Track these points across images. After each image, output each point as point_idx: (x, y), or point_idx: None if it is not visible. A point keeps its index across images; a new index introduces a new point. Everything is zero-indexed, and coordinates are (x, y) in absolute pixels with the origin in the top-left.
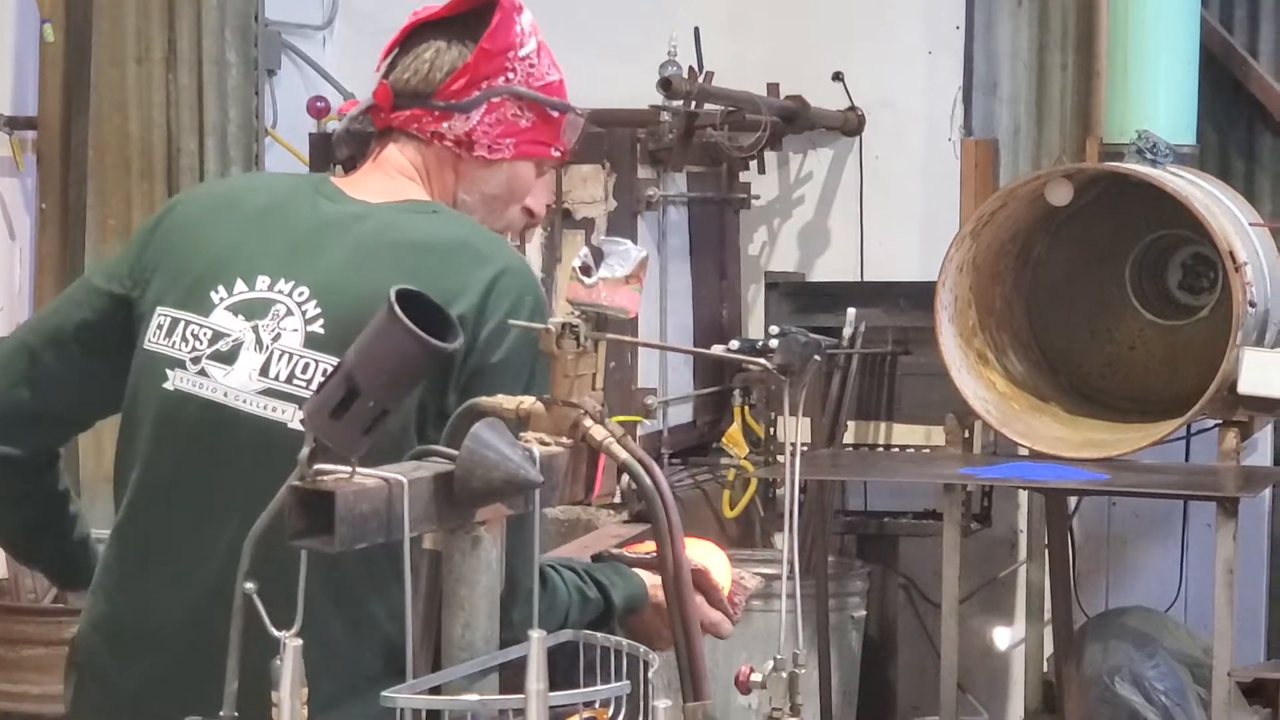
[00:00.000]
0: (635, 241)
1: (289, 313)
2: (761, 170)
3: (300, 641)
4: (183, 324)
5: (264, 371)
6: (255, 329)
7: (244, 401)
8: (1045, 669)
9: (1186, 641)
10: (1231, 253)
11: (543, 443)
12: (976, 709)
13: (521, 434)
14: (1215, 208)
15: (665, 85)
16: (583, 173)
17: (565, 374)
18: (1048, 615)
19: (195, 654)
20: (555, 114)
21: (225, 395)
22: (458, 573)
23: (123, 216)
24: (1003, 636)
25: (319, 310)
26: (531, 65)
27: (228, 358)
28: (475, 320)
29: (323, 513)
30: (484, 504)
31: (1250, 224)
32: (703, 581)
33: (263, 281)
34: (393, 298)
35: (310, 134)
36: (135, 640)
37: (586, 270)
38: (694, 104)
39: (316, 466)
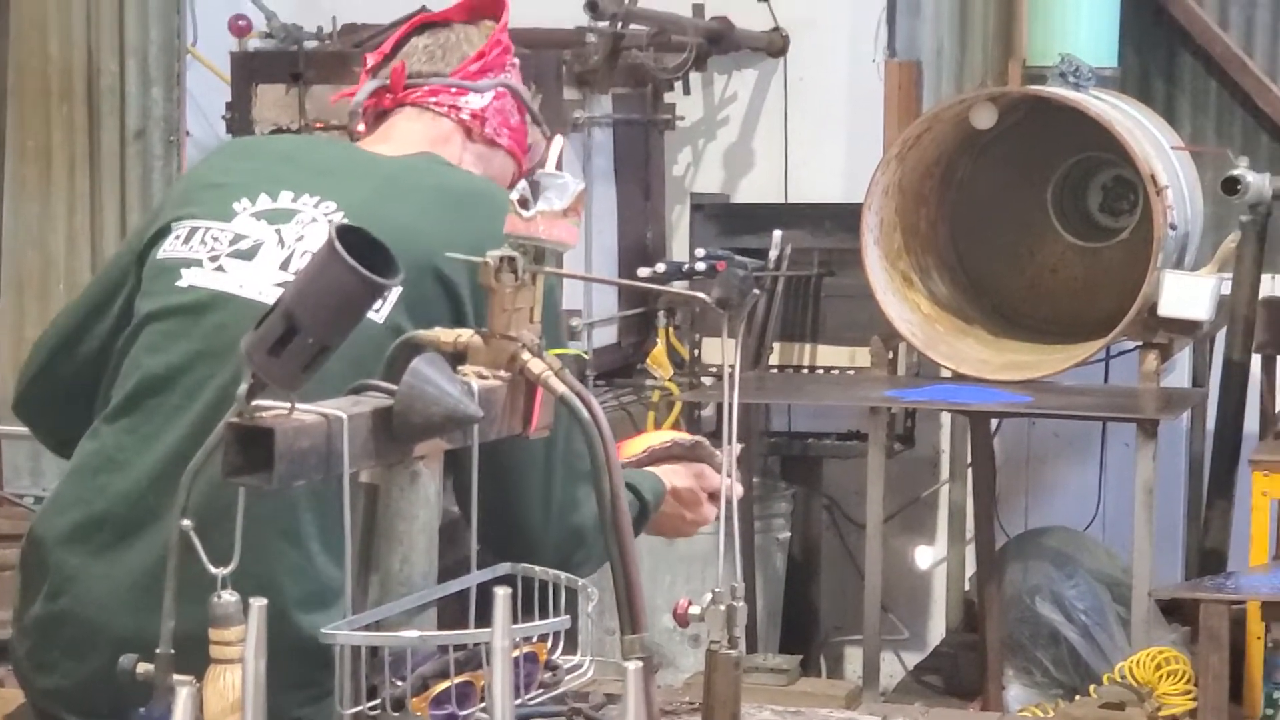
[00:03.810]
0: (560, 164)
1: (314, 220)
2: (686, 91)
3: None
4: (202, 229)
5: (284, 266)
6: (278, 232)
7: (260, 293)
8: (967, 588)
9: (1105, 561)
10: (1153, 176)
11: (481, 376)
12: (899, 628)
13: (459, 367)
14: (1137, 131)
15: (591, 6)
16: None
17: (503, 307)
18: (969, 535)
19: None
20: (530, 128)
21: (241, 288)
22: (396, 508)
23: (42, 138)
24: (925, 556)
25: (346, 222)
26: (517, 70)
27: (247, 255)
28: None
29: (261, 449)
30: (423, 439)
31: (1172, 147)
32: (688, 497)
33: (286, 195)
34: (333, 234)
35: (232, 53)
36: (114, 530)
37: (524, 203)
38: (620, 25)
39: (255, 403)
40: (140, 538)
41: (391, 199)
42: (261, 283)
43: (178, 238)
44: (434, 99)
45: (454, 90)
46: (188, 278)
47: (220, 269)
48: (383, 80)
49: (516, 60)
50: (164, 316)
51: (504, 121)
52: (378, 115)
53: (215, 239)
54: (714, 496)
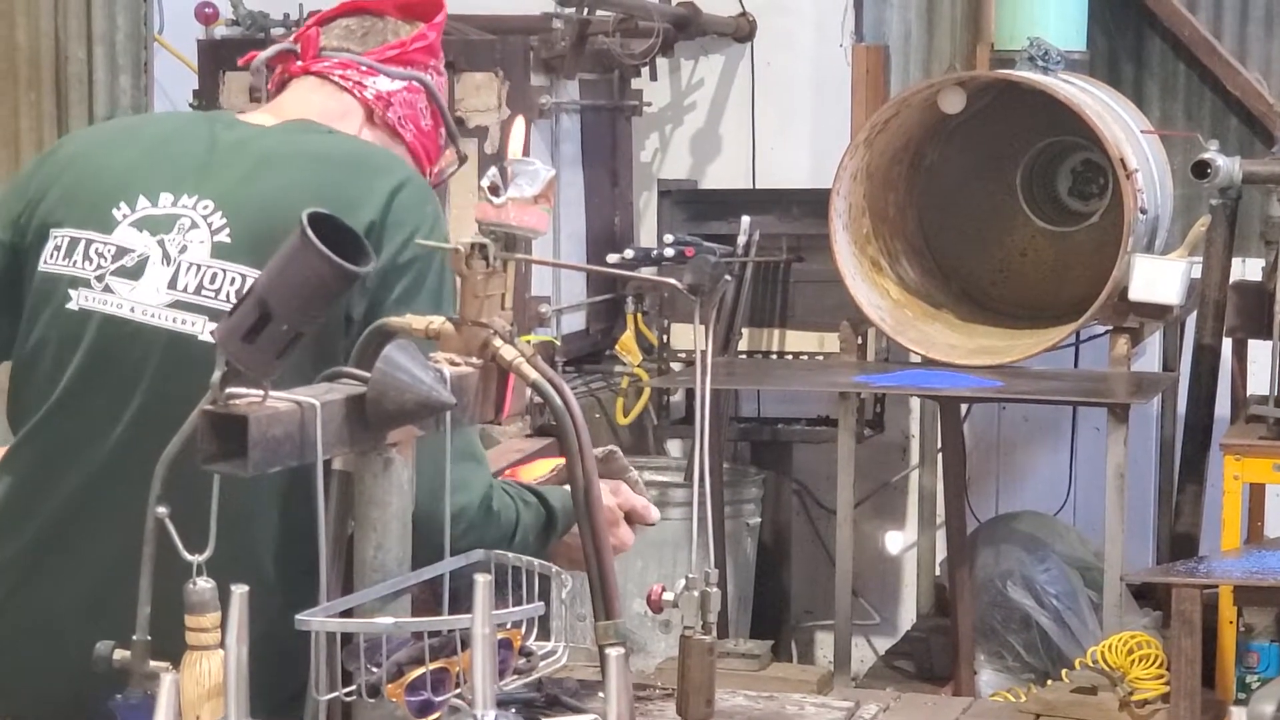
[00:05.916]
0: (528, 150)
1: (194, 225)
2: (654, 77)
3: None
4: (84, 243)
5: (172, 284)
6: (161, 243)
7: (152, 315)
8: (937, 573)
9: (1077, 545)
10: (1123, 160)
11: (453, 363)
12: (869, 613)
13: (431, 354)
14: (1106, 115)
15: None
16: (476, 80)
17: (475, 294)
18: (939, 520)
19: (112, 571)
20: (442, 140)
21: (132, 310)
22: (369, 494)
23: (9, 126)
24: (895, 541)
25: (225, 221)
26: (441, 79)
27: (133, 273)
28: (380, 231)
29: (235, 436)
30: (396, 426)
31: (1141, 131)
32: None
33: (166, 198)
34: (305, 221)
35: (199, 40)
36: (59, 544)
37: (495, 190)
38: (587, 11)
39: (228, 390)
40: (88, 551)
41: (267, 176)
42: (151, 304)
43: (58, 248)
44: (340, 72)
45: (364, 69)
46: (77, 299)
47: (108, 289)
48: (293, 46)
49: (442, 68)
50: (59, 342)
51: (412, 116)
52: (282, 83)
53: (99, 254)
54: (630, 518)
